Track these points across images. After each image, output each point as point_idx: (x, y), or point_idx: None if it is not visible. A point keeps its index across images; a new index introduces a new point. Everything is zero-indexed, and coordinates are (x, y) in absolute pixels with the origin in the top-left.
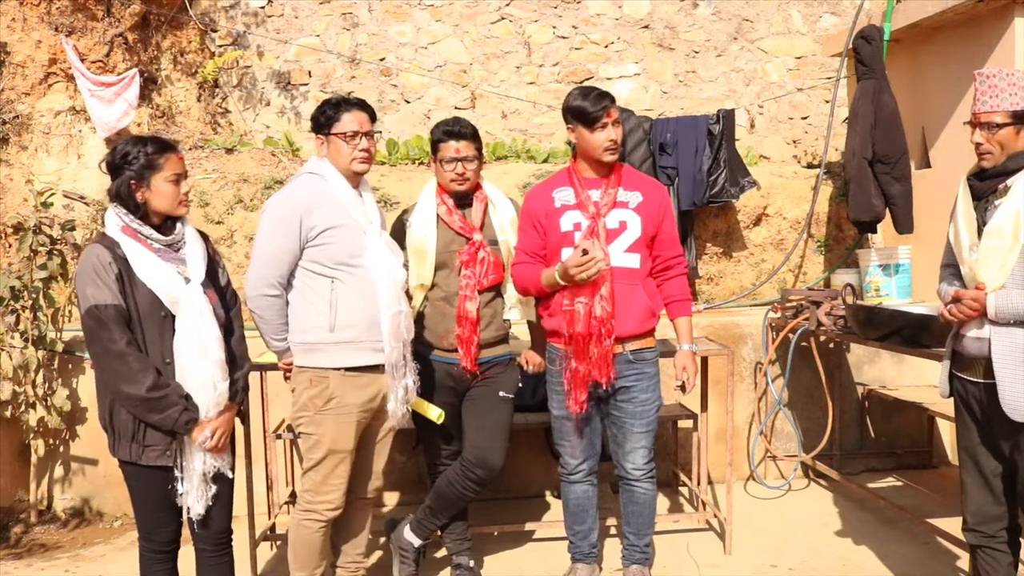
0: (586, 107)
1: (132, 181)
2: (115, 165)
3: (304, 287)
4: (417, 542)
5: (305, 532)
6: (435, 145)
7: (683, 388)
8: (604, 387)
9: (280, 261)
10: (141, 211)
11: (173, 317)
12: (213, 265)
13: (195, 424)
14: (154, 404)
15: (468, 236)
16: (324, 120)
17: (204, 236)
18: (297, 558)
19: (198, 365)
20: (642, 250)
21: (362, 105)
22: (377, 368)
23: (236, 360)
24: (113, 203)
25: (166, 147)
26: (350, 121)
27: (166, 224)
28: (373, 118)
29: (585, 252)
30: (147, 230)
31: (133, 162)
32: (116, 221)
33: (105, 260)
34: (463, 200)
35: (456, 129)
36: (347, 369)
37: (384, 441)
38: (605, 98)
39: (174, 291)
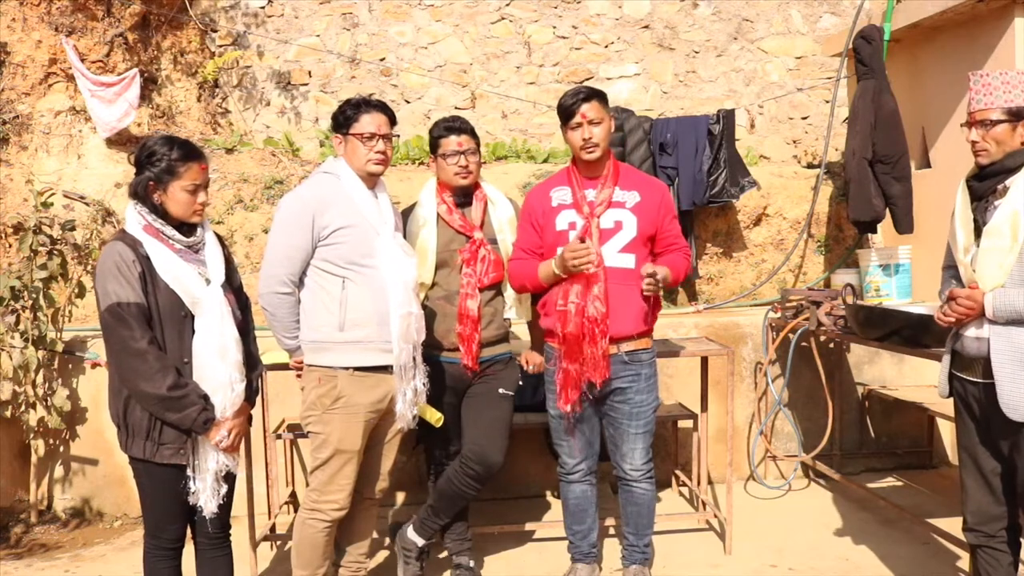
0: (561, 105)
1: (150, 182)
2: (140, 161)
3: (315, 286)
4: (420, 542)
5: (310, 531)
6: (436, 142)
7: (652, 276)
8: (599, 386)
9: (292, 259)
10: (159, 211)
11: (192, 317)
12: (229, 267)
13: (212, 424)
14: (173, 403)
15: (468, 234)
16: (343, 120)
17: (219, 238)
18: (300, 557)
19: (217, 366)
20: (638, 250)
21: (382, 107)
22: (386, 369)
23: (251, 361)
24: (133, 200)
25: (190, 155)
26: (368, 123)
27: (186, 225)
28: (393, 121)
29: (582, 240)
30: (169, 230)
31: (156, 163)
32: (138, 219)
33: (128, 258)
34: (463, 199)
35: (456, 124)
36: (356, 369)
37: (392, 442)
38: (579, 94)
39: (195, 292)
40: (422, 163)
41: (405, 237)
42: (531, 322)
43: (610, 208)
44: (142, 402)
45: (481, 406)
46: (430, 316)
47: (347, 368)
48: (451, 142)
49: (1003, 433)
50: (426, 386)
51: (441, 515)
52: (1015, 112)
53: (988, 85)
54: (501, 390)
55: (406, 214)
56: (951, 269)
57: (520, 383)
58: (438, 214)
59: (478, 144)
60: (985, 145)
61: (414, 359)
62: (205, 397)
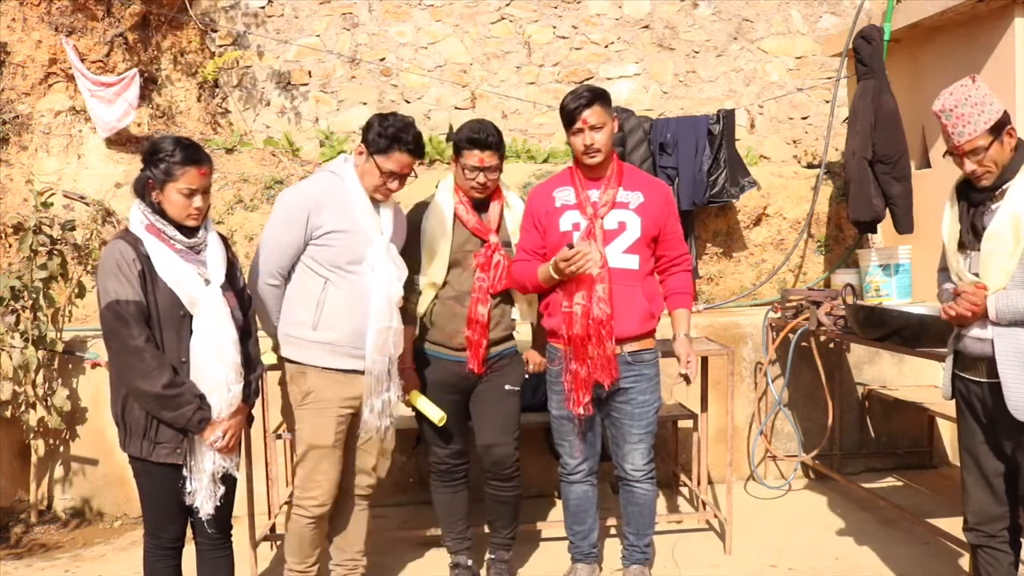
0: (563, 108)
1: (148, 180)
2: (145, 158)
3: (300, 282)
4: (507, 555)
5: (296, 525)
6: (458, 149)
7: (687, 379)
8: (608, 387)
9: (283, 254)
10: (157, 209)
11: (191, 317)
12: (232, 268)
13: (207, 424)
14: (168, 401)
15: (484, 238)
16: (373, 145)
17: (223, 239)
18: (289, 547)
19: (214, 366)
20: (642, 251)
21: (415, 149)
22: (358, 372)
23: (250, 362)
24: (138, 198)
25: (190, 159)
26: (394, 161)
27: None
28: (420, 158)
29: (570, 246)
30: (171, 230)
31: (158, 163)
32: (140, 218)
33: (129, 256)
34: (480, 200)
35: (482, 137)
36: (325, 368)
37: (371, 441)
38: (581, 99)
39: (194, 292)
40: (422, 163)
41: (419, 234)
42: (535, 322)
43: (614, 209)
44: (138, 400)
45: (488, 405)
46: (439, 315)
47: (316, 366)
48: (473, 156)
49: (1007, 433)
50: (399, 397)
51: (501, 529)
52: (995, 127)
53: (962, 116)
54: (507, 387)
55: (421, 208)
56: (947, 271)
57: (526, 376)
58: (455, 213)
59: (503, 156)
60: (987, 168)
61: (388, 372)
62: (201, 397)
